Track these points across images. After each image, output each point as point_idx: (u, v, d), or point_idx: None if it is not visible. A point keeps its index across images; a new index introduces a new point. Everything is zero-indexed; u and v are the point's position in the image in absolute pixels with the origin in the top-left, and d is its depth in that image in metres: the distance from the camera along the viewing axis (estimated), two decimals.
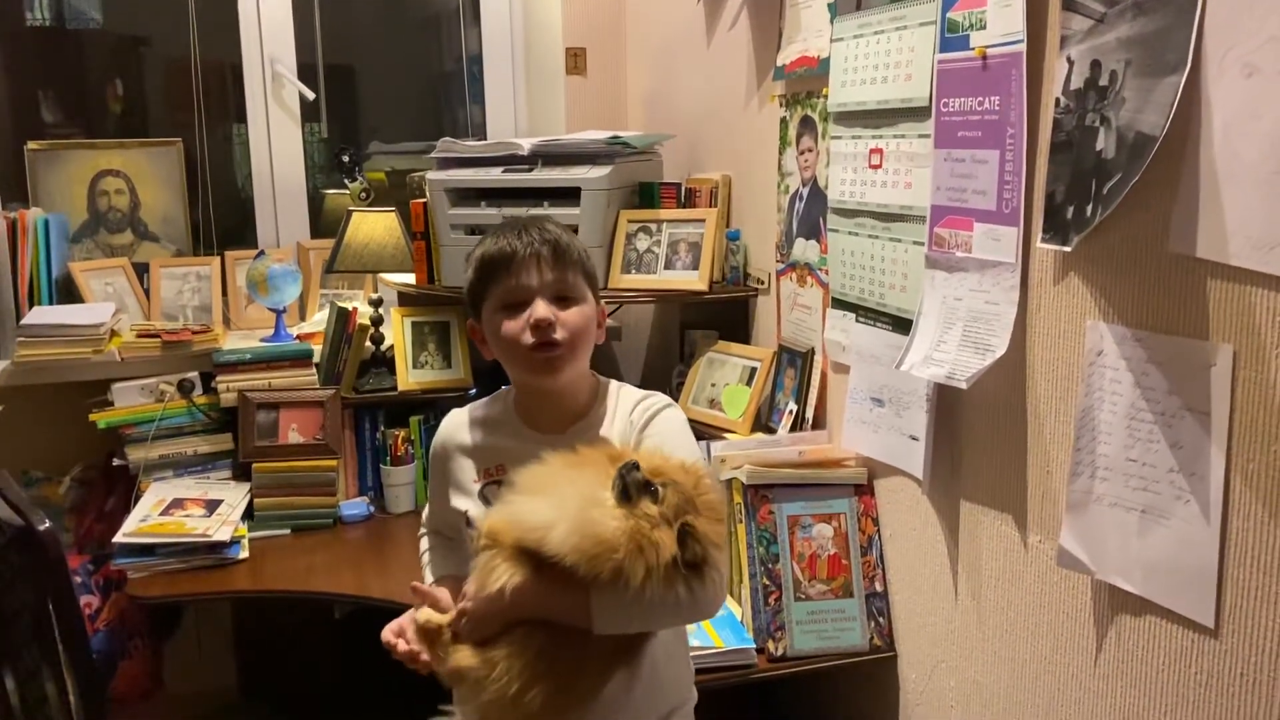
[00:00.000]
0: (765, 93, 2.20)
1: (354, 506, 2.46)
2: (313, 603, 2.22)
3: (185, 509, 2.25)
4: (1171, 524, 1.24)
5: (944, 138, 1.57)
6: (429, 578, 1.58)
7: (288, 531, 2.37)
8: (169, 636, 2.56)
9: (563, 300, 1.43)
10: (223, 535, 2.17)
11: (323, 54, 3.03)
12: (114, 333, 2.48)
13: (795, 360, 2.08)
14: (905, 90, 1.66)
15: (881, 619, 1.86)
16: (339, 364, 2.51)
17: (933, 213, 1.60)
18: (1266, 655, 1.15)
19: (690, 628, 1.63)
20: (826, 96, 1.90)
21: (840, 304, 1.90)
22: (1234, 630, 1.18)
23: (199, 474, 2.42)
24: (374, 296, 2.61)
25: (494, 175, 2.35)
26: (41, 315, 2.44)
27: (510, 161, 2.37)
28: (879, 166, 1.75)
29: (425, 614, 1.37)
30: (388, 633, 1.43)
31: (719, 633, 1.79)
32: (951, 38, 1.55)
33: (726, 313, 2.38)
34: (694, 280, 2.27)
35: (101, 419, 2.35)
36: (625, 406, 1.48)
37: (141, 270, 2.72)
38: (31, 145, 2.67)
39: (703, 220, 2.30)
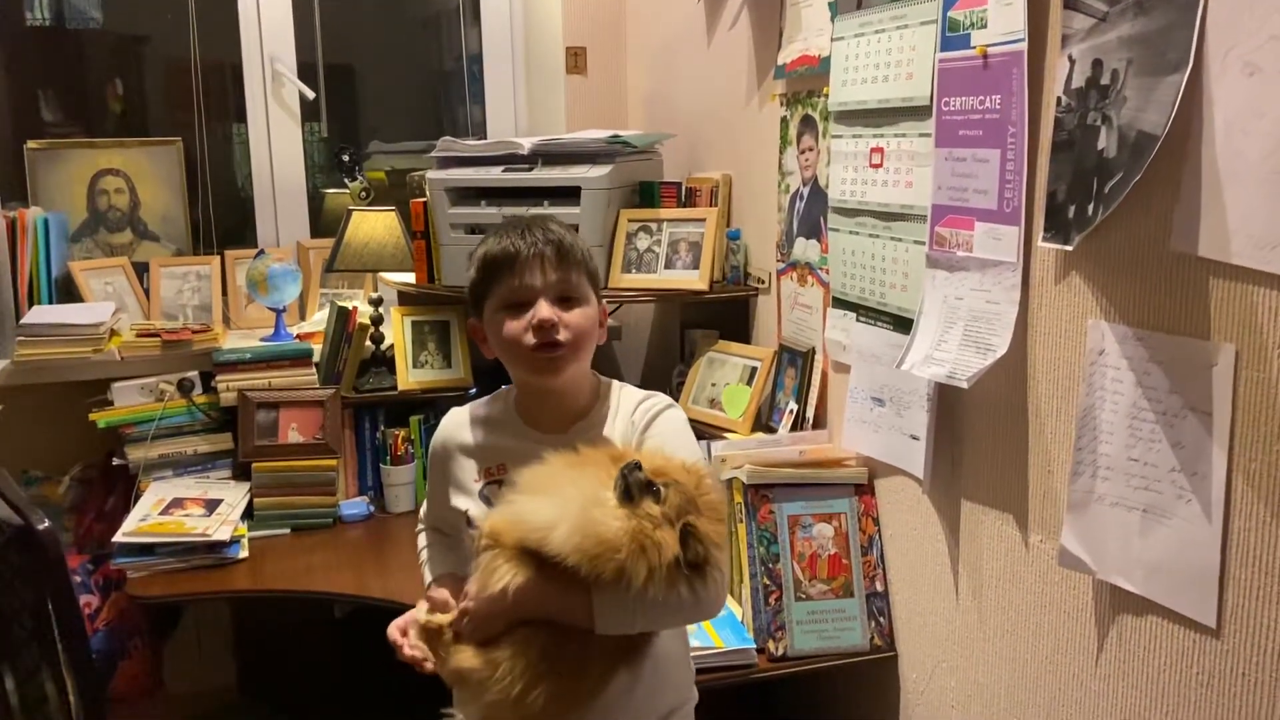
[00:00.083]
0: (766, 92, 2.20)
1: (354, 506, 2.46)
2: (312, 602, 2.22)
3: (185, 508, 2.25)
4: (1173, 524, 1.23)
5: (945, 137, 1.57)
6: (428, 576, 1.58)
7: (287, 531, 2.37)
8: (168, 636, 2.56)
9: (566, 301, 1.42)
10: (222, 535, 2.16)
11: (323, 53, 3.02)
12: (114, 332, 2.48)
13: (796, 360, 2.08)
14: (906, 89, 1.66)
15: (882, 619, 1.85)
16: (339, 363, 2.51)
17: (934, 212, 1.60)
18: (1268, 655, 1.15)
19: (690, 628, 1.62)
20: (827, 95, 1.90)
21: (841, 303, 1.90)
22: (1236, 630, 1.18)
23: (199, 473, 2.42)
24: (374, 296, 2.61)
25: (494, 174, 2.34)
26: (41, 315, 2.43)
27: (510, 161, 2.37)
28: (880, 166, 1.75)
29: (426, 614, 1.37)
30: (393, 629, 1.43)
31: (719, 633, 1.79)
32: (952, 36, 1.55)
33: (727, 312, 2.38)
34: (694, 280, 2.26)
35: (101, 418, 2.35)
36: (627, 407, 1.48)
37: (141, 270, 2.71)
38: (31, 144, 2.67)
39: (703, 219, 2.30)
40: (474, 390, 2.48)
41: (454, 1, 3.21)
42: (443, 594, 1.41)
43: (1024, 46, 1.40)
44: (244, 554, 2.22)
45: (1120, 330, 1.29)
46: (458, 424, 1.55)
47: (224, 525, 2.19)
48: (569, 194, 2.26)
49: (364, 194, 2.73)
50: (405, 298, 2.62)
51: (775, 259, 2.19)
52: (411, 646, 1.39)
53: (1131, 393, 1.28)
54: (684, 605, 1.24)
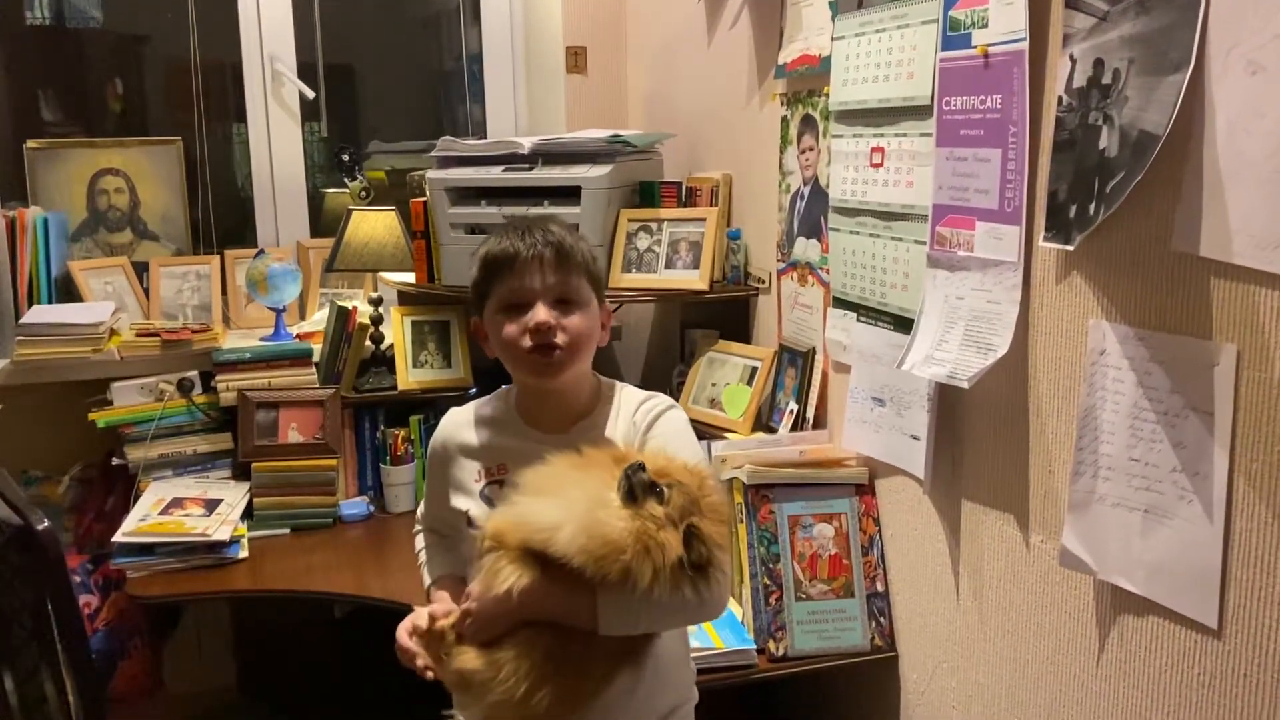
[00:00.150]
0: (766, 91, 2.20)
1: (354, 506, 2.46)
2: (312, 602, 2.22)
3: (185, 508, 2.24)
4: (1174, 524, 1.23)
5: (946, 136, 1.57)
6: (427, 578, 1.58)
7: (287, 531, 2.37)
8: (168, 636, 2.56)
9: (565, 304, 1.42)
10: (222, 535, 2.16)
11: (322, 53, 3.02)
12: (113, 332, 2.48)
13: (796, 360, 2.08)
14: (907, 89, 1.66)
15: (882, 619, 1.85)
16: (339, 363, 2.50)
17: (934, 211, 1.60)
18: (1270, 656, 1.15)
19: (691, 628, 1.62)
20: (828, 95, 1.90)
21: (841, 303, 1.90)
22: (1237, 631, 1.18)
23: (198, 473, 2.42)
24: (374, 295, 2.61)
25: (494, 174, 2.34)
26: (41, 314, 2.43)
27: (510, 160, 2.36)
28: (880, 165, 1.75)
29: (427, 616, 1.37)
30: (402, 632, 1.40)
31: (719, 633, 1.78)
32: (953, 36, 1.55)
33: (727, 312, 2.38)
34: (694, 279, 2.26)
35: (101, 418, 2.34)
36: (629, 407, 1.48)
37: (141, 269, 2.71)
38: (31, 144, 2.67)
39: (703, 219, 2.30)
40: (474, 390, 2.48)
41: (454, 1, 3.21)
42: (446, 606, 1.41)
43: (1025, 46, 1.40)
44: (244, 554, 2.22)
45: (1121, 330, 1.29)
46: (458, 424, 1.54)
47: (224, 525, 2.19)
48: (569, 194, 2.26)
49: (364, 194, 2.72)
50: (405, 297, 2.62)
51: (775, 259, 2.19)
52: (421, 654, 1.37)
53: (1133, 393, 1.27)
54: (688, 606, 1.24)
